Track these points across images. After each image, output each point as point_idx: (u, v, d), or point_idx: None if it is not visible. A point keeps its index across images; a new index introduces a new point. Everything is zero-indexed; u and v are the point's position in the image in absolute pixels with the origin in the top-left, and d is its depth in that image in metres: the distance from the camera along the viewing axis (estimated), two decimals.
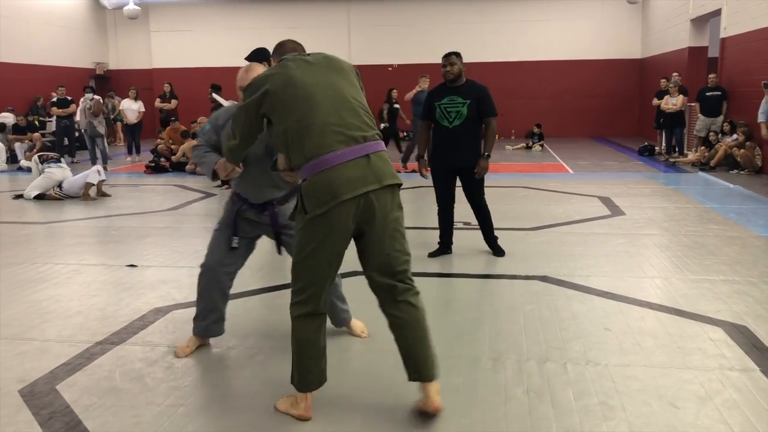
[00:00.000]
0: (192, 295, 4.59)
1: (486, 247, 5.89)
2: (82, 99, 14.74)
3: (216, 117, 3.69)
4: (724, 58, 13.07)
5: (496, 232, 5.76)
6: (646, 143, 14.80)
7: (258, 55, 6.52)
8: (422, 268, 5.32)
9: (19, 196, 9.40)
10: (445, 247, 5.78)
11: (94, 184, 9.21)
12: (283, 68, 2.83)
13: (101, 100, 13.50)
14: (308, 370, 2.87)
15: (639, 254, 5.75)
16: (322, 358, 2.91)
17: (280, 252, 3.65)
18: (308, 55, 2.93)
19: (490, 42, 20.48)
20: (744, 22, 12.24)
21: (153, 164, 12.22)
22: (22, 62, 17.93)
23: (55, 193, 9.20)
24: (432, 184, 5.77)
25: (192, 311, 4.30)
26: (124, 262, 5.66)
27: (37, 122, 15.13)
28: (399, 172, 10.25)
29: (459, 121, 5.40)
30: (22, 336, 3.94)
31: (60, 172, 9.54)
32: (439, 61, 5.54)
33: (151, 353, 3.67)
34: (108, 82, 21.26)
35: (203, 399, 3.12)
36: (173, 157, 12.34)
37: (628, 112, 20.14)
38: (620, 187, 9.53)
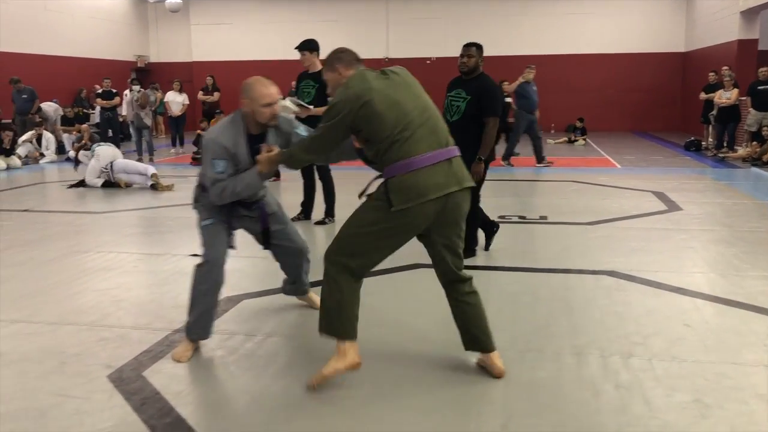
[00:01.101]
0: (260, 285, 4.67)
1: (547, 241, 5.83)
2: (126, 91, 14.97)
3: (221, 148, 3.33)
4: None
5: (553, 227, 5.65)
6: (692, 138, 14.55)
7: (309, 45, 6.56)
8: (485, 261, 5.30)
9: (75, 185, 9.57)
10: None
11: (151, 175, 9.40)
12: (370, 82, 2.97)
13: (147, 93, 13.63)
14: (353, 316, 3.06)
15: (704, 250, 5.65)
16: None
17: (268, 245, 3.68)
18: (380, 70, 3.11)
19: (531, 35, 20.28)
20: None
21: (199, 155, 12.32)
22: (66, 55, 18.23)
23: (122, 182, 9.32)
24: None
25: (262, 300, 4.38)
26: (186, 252, 5.70)
27: (81, 113, 15.34)
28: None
29: (457, 117, 5.06)
30: (101, 323, 3.99)
31: (110, 150, 9.71)
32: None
33: (229, 341, 3.69)
34: (149, 75, 21.50)
35: (290, 388, 3.12)
36: None
37: (671, 107, 19.82)
38: (672, 182, 9.37)
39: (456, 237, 3.09)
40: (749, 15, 14.68)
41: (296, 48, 6.48)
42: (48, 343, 3.69)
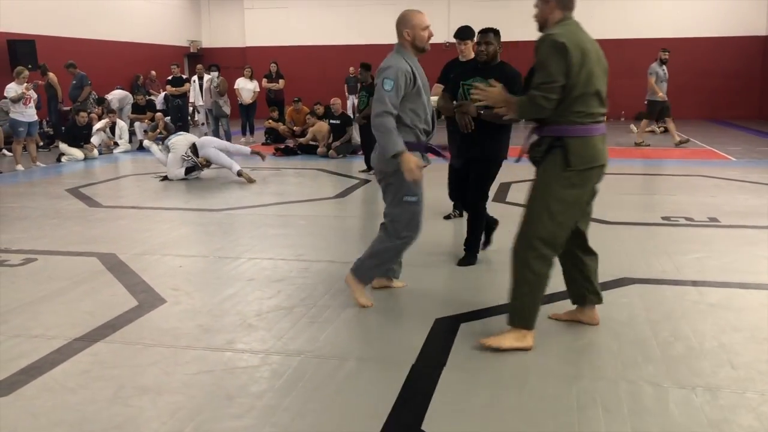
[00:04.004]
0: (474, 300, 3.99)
1: (751, 248, 5.19)
2: (194, 78, 14.41)
3: (400, 71, 3.73)
4: None
5: (736, 231, 5.01)
6: None
7: (467, 33, 5.92)
8: (697, 274, 4.62)
9: (166, 178, 9.03)
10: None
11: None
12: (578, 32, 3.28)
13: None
14: (537, 306, 3.35)
15: None
16: None
17: None
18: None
19: (599, 18, 19.34)
20: None
21: (284, 147, 11.76)
22: (119, 40, 17.71)
23: (203, 161, 8.95)
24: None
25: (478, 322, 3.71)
26: (346, 259, 5.10)
27: (152, 101, 14.79)
28: None
29: (482, 105, 4.52)
30: (320, 352, 3.40)
31: (182, 139, 9.24)
32: None
33: (496, 368, 3.08)
34: (201, 61, 20.88)
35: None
36: (302, 140, 11.83)
37: (749, 94, 18.88)
38: None
39: None
40: None
41: (456, 36, 5.81)
42: (293, 374, 3.11)
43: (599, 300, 3.65)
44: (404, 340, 3.55)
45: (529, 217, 3.32)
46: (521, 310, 3.34)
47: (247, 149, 9.71)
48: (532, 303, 3.33)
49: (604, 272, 4.65)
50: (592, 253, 3.59)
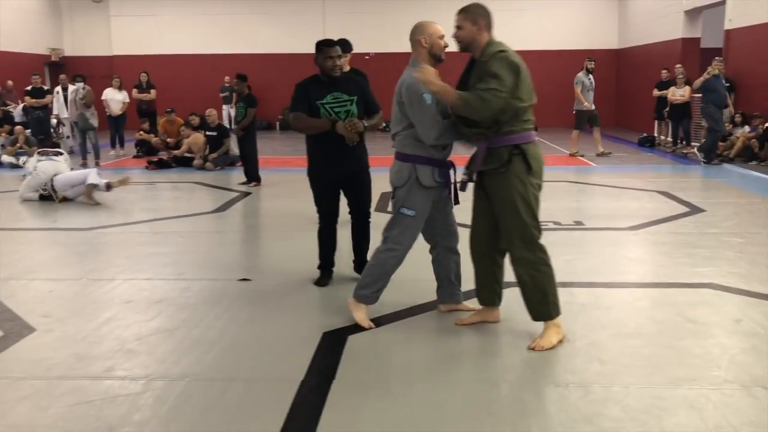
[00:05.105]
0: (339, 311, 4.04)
1: (615, 249, 5.57)
2: (57, 89, 13.66)
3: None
4: (730, 50, 13.19)
5: (600, 234, 5.41)
6: (645, 134, 14.86)
7: (348, 46, 5.98)
8: (570, 277, 4.93)
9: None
10: (329, 272, 4.84)
11: (96, 184, 8.05)
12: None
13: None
14: (557, 294, 3.61)
15: None
16: None
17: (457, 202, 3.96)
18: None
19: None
20: (751, 15, 12.37)
21: (157, 159, 11.33)
22: None
23: (58, 197, 8.11)
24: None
25: (365, 334, 3.78)
26: (231, 276, 5.01)
27: (8, 114, 13.80)
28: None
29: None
30: (206, 375, 3.32)
31: (51, 165, 8.35)
32: None
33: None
34: (64, 70, 19.77)
35: None
36: (176, 152, 11.46)
37: (605, 102, 20.23)
38: (665, 180, 9.41)
39: None
40: (693, 14, 15.15)
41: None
42: (178, 399, 3.01)
43: (500, 301, 3.95)
44: (292, 356, 3.54)
45: (516, 225, 3.52)
46: (554, 301, 3.59)
47: (87, 182, 8.14)
48: (555, 288, 3.60)
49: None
50: (504, 258, 3.83)
